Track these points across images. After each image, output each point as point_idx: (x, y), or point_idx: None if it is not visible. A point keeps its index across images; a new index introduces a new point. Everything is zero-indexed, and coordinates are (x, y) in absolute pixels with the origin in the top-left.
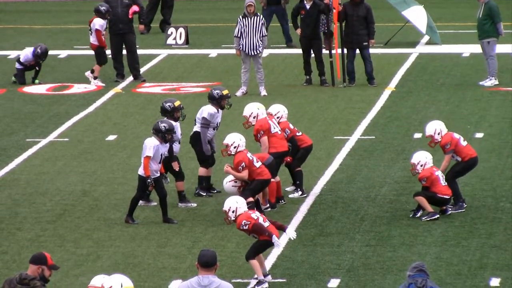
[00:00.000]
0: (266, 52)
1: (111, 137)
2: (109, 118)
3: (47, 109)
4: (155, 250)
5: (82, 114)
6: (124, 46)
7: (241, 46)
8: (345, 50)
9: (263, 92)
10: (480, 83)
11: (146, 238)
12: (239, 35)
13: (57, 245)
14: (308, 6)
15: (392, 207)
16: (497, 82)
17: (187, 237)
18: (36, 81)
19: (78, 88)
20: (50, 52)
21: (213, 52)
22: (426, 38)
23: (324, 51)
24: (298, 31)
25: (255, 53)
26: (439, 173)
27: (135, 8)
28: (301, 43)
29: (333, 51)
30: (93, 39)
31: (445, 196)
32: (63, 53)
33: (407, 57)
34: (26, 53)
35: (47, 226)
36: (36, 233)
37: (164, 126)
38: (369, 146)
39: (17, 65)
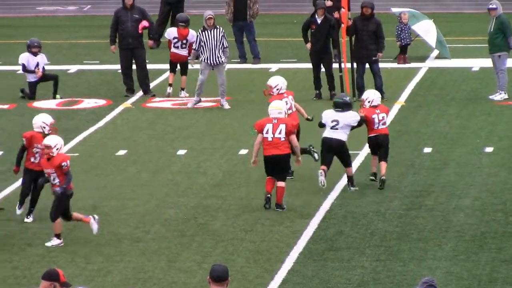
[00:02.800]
0: (276, 67)
1: (121, 152)
2: (119, 133)
3: (56, 124)
4: (165, 265)
5: (92, 129)
6: (133, 61)
7: (204, 58)
8: (355, 65)
9: (226, 106)
10: (490, 97)
11: (156, 253)
12: (197, 49)
13: (68, 260)
14: (319, 21)
15: (402, 221)
16: (507, 96)
17: (197, 251)
18: (58, 96)
19: (88, 103)
20: (60, 67)
21: None
22: (435, 52)
23: (334, 65)
24: (308, 45)
25: (218, 62)
26: (376, 117)
27: (145, 23)
28: (311, 57)
29: (342, 66)
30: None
31: (370, 135)
32: (72, 68)
33: (417, 71)
34: (22, 59)
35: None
36: (47, 248)
37: None
38: None
39: (29, 78)
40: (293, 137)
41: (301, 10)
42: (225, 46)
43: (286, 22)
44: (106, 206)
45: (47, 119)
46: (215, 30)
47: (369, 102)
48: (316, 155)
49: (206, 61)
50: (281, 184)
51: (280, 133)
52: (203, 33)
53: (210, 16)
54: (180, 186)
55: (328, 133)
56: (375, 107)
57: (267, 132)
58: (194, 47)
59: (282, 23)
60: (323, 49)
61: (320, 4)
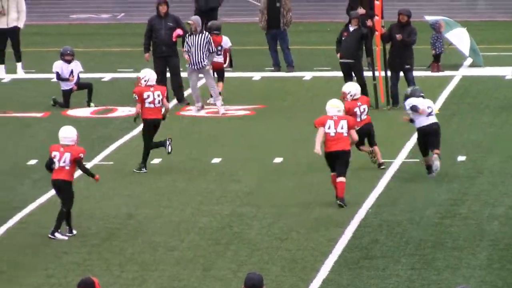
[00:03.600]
0: (309, 75)
1: (156, 160)
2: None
3: (91, 133)
4: (201, 274)
5: (126, 137)
6: (167, 69)
7: (189, 64)
8: (389, 73)
9: (222, 111)
10: None
11: (191, 262)
12: (186, 50)
13: (103, 269)
14: (352, 29)
15: (436, 230)
16: None
17: (232, 260)
18: (92, 104)
19: (122, 111)
20: (94, 75)
21: (256, 75)
22: (469, 60)
23: (368, 74)
24: (338, 55)
25: (199, 67)
26: (357, 110)
27: (179, 31)
28: (341, 66)
29: (376, 74)
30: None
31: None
32: (106, 76)
33: (450, 79)
34: (56, 67)
35: (92, 250)
36: (82, 256)
37: None
38: (413, 169)
39: (63, 86)
40: (353, 132)
41: (335, 18)
42: (211, 51)
43: (320, 30)
44: (141, 214)
45: (73, 132)
46: (201, 35)
47: (351, 96)
48: (169, 148)
49: (190, 66)
50: (342, 179)
51: (342, 128)
52: (189, 37)
53: (191, 21)
54: (215, 194)
55: (425, 120)
56: (356, 99)
57: (329, 128)
58: (185, 49)
59: (315, 31)
60: (353, 58)
61: (354, 14)
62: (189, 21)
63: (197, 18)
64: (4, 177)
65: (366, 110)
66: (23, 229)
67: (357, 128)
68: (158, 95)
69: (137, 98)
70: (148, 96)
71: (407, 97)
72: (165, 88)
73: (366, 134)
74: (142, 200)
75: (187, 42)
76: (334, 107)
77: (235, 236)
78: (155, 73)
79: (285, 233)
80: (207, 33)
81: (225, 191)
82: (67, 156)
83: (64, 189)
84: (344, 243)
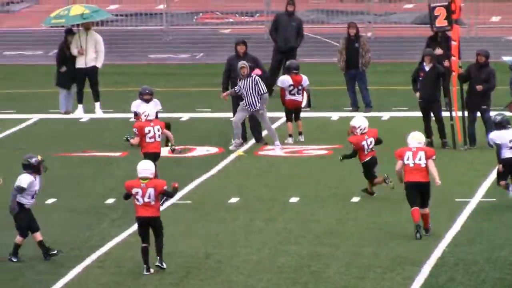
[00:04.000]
0: (387, 115)
1: (234, 200)
2: (231, 181)
3: (169, 172)
4: None
5: (204, 177)
6: None
7: (244, 103)
8: (466, 113)
9: (279, 152)
10: None
11: None
12: (237, 90)
13: None
14: (427, 69)
15: None
16: None
17: None
18: (170, 144)
19: (200, 151)
20: (172, 115)
21: (334, 115)
22: None
23: (445, 114)
24: (417, 94)
25: (254, 109)
26: (365, 143)
27: (257, 71)
28: (420, 106)
29: (454, 114)
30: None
31: (364, 160)
32: (184, 116)
33: None
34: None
35: None
36: None
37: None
38: (490, 208)
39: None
40: (431, 162)
41: (412, 58)
42: (262, 92)
43: (398, 71)
44: (219, 253)
45: (153, 165)
46: (249, 78)
47: (360, 130)
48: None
49: (246, 106)
50: (425, 210)
51: (420, 159)
52: (240, 82)
53: (243, 65)
54: (293, 233)
55: (508, 152)
56: (364, 133)
57: (407, 159)
58: (236, 90)
59: (393, 72)
60: (432, 97)
61: (427, 52)
62: (242, 65)
63: (246, 62)
64: (82, 216)
65: (373, 143)
66: (100, 267)
67: (365, 161)
68: (158, 129)
69: (137, 132)
70: (149, 131)
71: (495, 125)
72: (163, 123)
73: (373, 166)
74: (219, 239)
75: (239, 85)
76: (415, 139)
77: (313, 275)
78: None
79: (362, 272)
80: (254, 75)
81: (303, 230)
82: (151, 191)
83: (155, 225)
84: (420, 282)
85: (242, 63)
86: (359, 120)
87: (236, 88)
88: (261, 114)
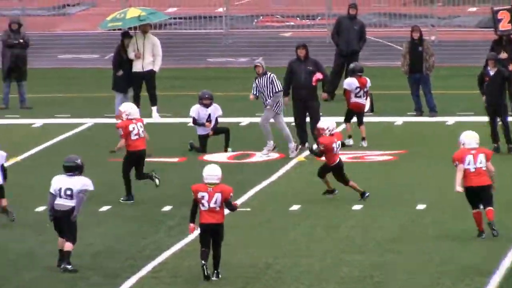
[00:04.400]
0: (452, 120)
1: (295, 207)
2: (292, 187)
3: (228, 178)
4: None
5: (264, 183)
6: (307, 113)
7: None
8: None
9: (293, 154)
10: None
11: None
12: (257, 94)
13: None
14: (492, 73)
15: None
16: None
17: None
18: (229, 149)
19: (260, 157)
20: (232, 120)
21: (398, 120)
22: None
23: (511, 118)
24: (484, 98)
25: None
26: (335, 145)
27: (318, 75)
28: (487, 110)
29: None
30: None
31: (331, 164)
32: (244, 121)
33: None
34: (193, 112)
35: None
36: None
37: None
38: None
39: (199, 131)
40: (490, 164)
41: (477, 62)
42: (275, 91)
43: (462, 75)
44: (279, 263)
45: (219, 170)
46: (264, 76)
47: (329, 131)
48: (157, 181)
49: (264, 106)
50: (490, 208)
51: (480, 163)
52: (256, 80)
53: (258, 64)
54: (356, 242)
55: None
56: (332, 135)
57: (468, 164)
58: (253, 92)
59: (458, 75)
60: (498, 102)
61: (490, 56)
62: (257, 64)
63: (261, 61)
64: (138, 224)
65: (340, 146)
66: (155, 278)
67: (334, 164)
68: (141, 126)
69: (122, 132)
70: (133, 129)
71: None
72: (142, 119)
73: (342, 168)
74: (280, 248)
75: (256, 85)
76: (474, 139)
77: (376, 286)
78: (136, 106)
79: (429, 283)
80: (269, 73)
81: (367, 238)
82: (218, 196)
83: (218, 233)
84: None
85: (257, 62)
86: (327, 122)
87: (253, 90)
88: (277, 114)
